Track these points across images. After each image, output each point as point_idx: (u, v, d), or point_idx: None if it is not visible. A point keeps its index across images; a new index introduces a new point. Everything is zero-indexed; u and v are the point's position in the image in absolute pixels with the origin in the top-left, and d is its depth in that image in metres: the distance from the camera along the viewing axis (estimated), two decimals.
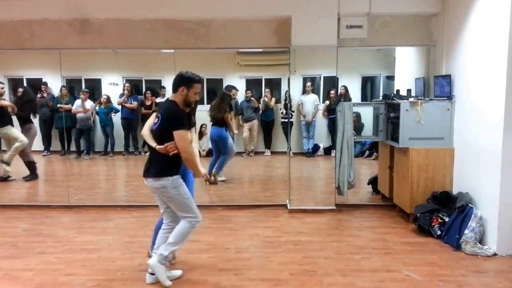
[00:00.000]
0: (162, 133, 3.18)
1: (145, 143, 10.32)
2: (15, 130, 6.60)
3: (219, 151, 6.73)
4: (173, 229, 3.33)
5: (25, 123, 6.82)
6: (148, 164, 3.32)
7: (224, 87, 8.81)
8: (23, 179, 6.82)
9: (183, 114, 3.23)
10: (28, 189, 6.70)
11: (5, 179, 6.71)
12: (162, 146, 3.17)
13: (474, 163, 4.33)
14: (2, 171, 6.67)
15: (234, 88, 8.68)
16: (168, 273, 3.37)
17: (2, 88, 6.61)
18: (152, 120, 3.34)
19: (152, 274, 3.34)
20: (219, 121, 6.61)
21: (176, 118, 3.15)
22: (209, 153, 7.20)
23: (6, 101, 6.72)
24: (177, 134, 3.12)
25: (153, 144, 3.23)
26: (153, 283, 3.34)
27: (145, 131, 3.36)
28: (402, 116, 4.78)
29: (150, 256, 3.51)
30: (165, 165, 3.21)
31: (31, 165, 6.86)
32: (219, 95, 6.84)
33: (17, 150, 6.61)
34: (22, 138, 6.57)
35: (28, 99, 6.99)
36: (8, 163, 6.61)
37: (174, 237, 3.28)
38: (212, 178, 6.54)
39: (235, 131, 7.21)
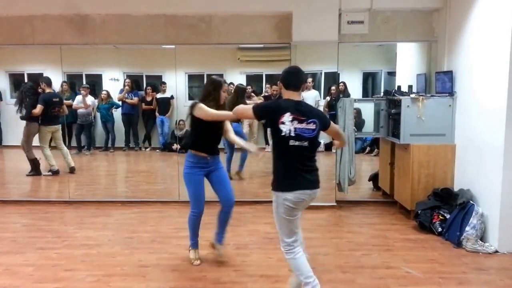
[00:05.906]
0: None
1: (145, 138, 10.15)
2: None
3: (232, 148, 6.53)
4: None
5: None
6: (313, 173, 3.08)
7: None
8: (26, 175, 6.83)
9: None
10: (28, 184, 6.70)
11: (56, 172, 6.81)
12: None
13: (475, 160, 4.31)
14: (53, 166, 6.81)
15: (229, 83, 8.60)
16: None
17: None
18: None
19: None
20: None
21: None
22: None
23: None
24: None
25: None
26: None
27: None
28: (403, 112, 4.76)
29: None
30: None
31: (34, 163, 6.84)
32: (234, 90, 6.50)
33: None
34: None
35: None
36: (73, 167, 6.88)
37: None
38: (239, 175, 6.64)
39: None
